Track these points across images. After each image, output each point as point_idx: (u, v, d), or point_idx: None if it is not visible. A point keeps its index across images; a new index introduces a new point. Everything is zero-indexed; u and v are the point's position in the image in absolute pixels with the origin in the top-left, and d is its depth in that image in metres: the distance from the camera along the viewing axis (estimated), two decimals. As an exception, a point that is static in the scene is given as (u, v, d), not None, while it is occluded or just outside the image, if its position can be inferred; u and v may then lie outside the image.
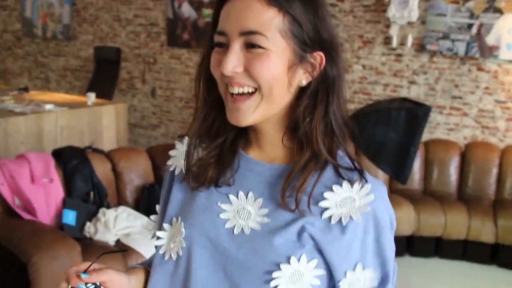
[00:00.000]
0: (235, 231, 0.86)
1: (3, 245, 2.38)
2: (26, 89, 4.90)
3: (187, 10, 5.38)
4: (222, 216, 0.87)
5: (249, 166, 0.88)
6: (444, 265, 3.63)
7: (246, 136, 0.90)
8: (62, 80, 6.62)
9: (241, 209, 0.86)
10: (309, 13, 0.80)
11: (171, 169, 0.96)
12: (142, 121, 5.95)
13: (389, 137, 2.37)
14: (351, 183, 0.83)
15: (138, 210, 3.06)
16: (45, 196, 2.82)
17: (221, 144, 0.89)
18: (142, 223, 2.92)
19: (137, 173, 3.23)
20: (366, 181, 0.83)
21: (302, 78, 0.82)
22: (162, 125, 5.84)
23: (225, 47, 0.81)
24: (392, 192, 3.89)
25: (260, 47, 0.78)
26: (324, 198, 0.82)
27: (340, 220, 0.82)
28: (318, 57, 0.82)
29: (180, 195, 0.93)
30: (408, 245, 3.71)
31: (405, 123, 2.32)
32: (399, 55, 4.50)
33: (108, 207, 3.01)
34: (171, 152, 0.98)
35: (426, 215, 3.61)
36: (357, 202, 0.82)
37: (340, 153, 0.86)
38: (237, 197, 0.87)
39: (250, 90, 0.81)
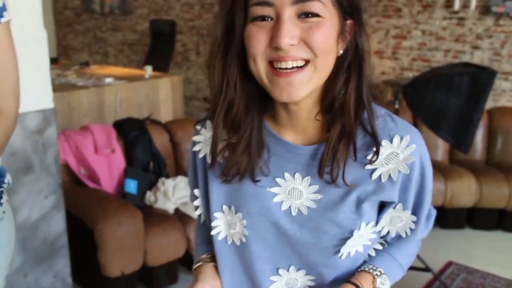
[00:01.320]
0: (292, 213, 0.86)
1: (72, 212, 2.51)
2: (87, 64, 5.07)
3: (239, -20, 5.34)
4: (275, 200, 0.87)
5: (287, 149, 0.86)
6: (507, 238, 3.49)
7: (273, 119, 0.87)
8: (120, 55, 6.80)
9: (292, 189, 0.86)
10: None
11: (201, 156, 0.93)
12: (197, 93, 6.04)
13: (451, 104, 2.27)
14: (390, 139, 0.83)
15: (196, 180, 3.13)
16: (108, 165, 2.94)
17: (248, 136, 0.85)
18: (199, 192, 2.99)
19: (193, 143, 3.29)
20: (403, 133, 0.83)
21: (339, 47, 0.80)
22: (217, 97, 5.90)
23: (269, 19, 0.75)
24: (453, 163, 3.76)
25: (317, 15, 0.74)
26: (369, 161, 0.82)
27: (390, 177, 0.84)
28: (349, 25, 0.80)
29: (223, 183, 0.90)
30: (469, 218, 3.59)
31: (467, 89, 2.21)
32: (462, 18, 4.27)
33: (167, 176, 3.10)
34: (196, 138, 0.94)
35: (489, 186, 3.47)
36: (401, 156, 0.83)
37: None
38: (284, 179, 0.86)
39: (302, 63, 0.76)
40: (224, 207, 0.91)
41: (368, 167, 0.83)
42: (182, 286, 2.73)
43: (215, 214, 0.92)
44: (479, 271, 3.03)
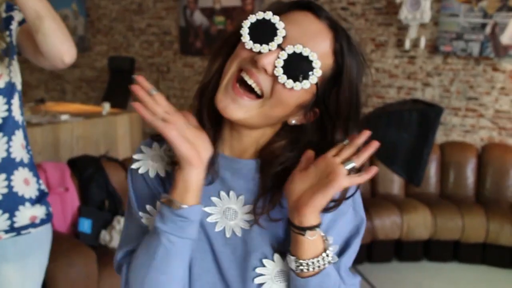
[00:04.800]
0: (227, 234, 0.84)
1: (20, 253, 2.40)
2: (42, 101, 4.97)
3: (199, 18, 5.43)
4: (209, 219, 0.85)
5: (225, 163, 0.86)
6: (462, 270, 3.56)
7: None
8: (78, 91, 6.72)
9: (226, 209, 0.85)
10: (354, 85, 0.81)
11: (152, 175, 0.88)
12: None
13: (402, 139, 2.35)
14: None
15: (153, 218, 3.07)
16: (61, 204, 2.86)
17: None
18: (156, 230, 2.93)
19: (151, 180, 3.25)
20: None
21: (295, 118, 0.83)
22: (177, 133, 5.88)
23: None
24: (408, 196, 3.85)
25: None
26: None
27: None
28: (313, 113, 0.83)
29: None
30: (426, 250, 3.66)
31: (417, 125, 2.30)
32: (412, 57, 4.46)
33: (123, 215, 3.03)
34: (137, 156, 0.89)
35: (443, 219, 3.56)
36: None
37: None
38: (219, 197, 0.85)
39: (259, 92, 0.78)
40: None
41: None
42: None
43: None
44: (436, 304, 3.07)
